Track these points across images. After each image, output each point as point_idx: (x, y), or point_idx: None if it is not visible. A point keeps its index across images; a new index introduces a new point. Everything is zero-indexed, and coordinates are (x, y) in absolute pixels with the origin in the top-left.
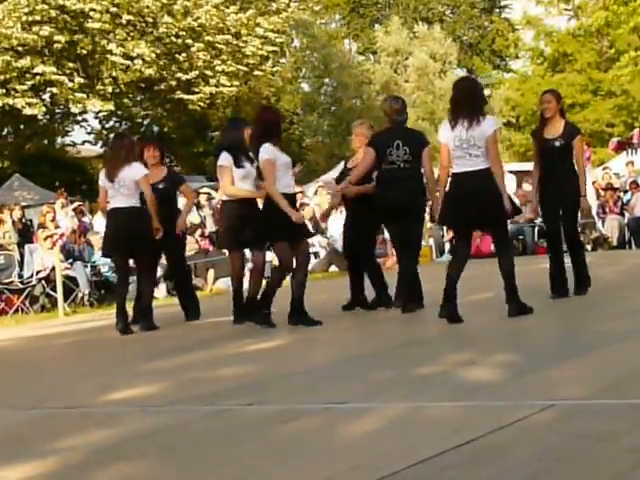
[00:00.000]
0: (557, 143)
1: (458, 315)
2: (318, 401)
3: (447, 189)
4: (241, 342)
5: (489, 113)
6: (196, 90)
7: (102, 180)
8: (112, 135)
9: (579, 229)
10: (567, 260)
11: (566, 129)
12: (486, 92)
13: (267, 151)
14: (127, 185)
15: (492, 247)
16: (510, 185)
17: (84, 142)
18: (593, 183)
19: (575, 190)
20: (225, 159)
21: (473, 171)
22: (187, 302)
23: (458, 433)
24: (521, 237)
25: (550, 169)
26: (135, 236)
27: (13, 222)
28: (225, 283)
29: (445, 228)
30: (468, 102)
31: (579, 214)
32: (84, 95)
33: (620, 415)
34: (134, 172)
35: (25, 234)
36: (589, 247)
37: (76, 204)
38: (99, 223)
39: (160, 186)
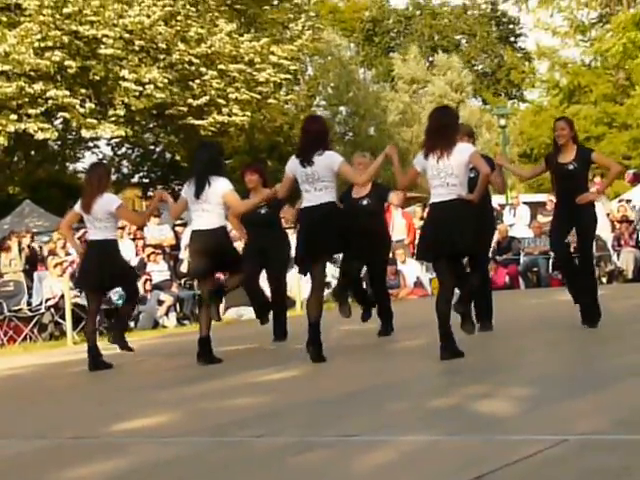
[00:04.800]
0: (570, 167)
1: (459, 350)
2: (331, 433)
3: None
4: (252, 372)
5: (504, 144)
6: (207, 117)
7: (78, 207)
8: (124, 162)
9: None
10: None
11: (579, 153)
12: (502, 122)
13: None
14: (100, 217)
15: (506, 279)
16: (524, 216)
17: None
18: (608, 215)
19: (589, 216)
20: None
21: (450, 201)
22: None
23: (469, 468)
24: (535, 269)
25: (564, 194)
26: (106, 270)
27: (21, 249)
28: (236, 312)
29: None
30: (440, 132)
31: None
32: (95, 121)
33: (636, 450)
34: (106, 204)
35: (33, 261)
36: (604, 280)
37: (82, 232)
38: None
39: (262, 211)
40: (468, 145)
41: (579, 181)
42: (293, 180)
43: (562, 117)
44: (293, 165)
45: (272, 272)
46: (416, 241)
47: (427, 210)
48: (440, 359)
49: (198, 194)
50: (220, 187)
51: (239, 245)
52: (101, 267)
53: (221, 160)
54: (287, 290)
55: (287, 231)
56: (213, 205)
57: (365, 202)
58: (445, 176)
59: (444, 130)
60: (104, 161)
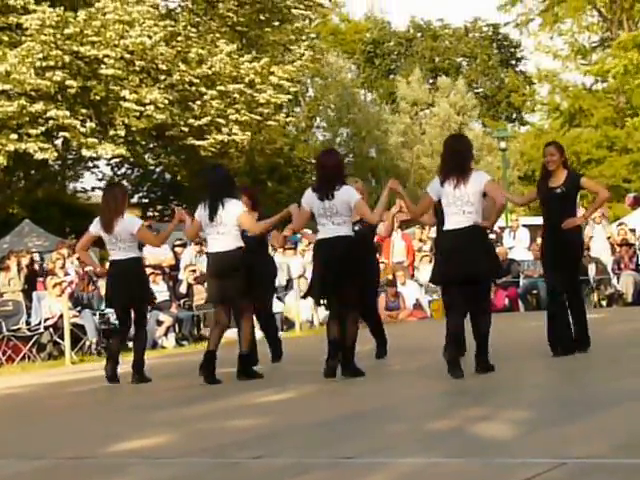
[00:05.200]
0: (558, 190)
1: (461, 370)
2: (328, 455)
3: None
4: (251, 394)
5: (505, 167)
6: (208, 137)
7: (95, 228)
8: (124, 182)
9: (590, 284)
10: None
11: (568, 177)
12: (502, 145)
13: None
14: (123, 238)
15: (506, 301)
16: (524, 239)
17: (94, 189)
18: (608, 238)
19: (576, 240)
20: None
21: (466, 227)
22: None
23: None
24: (535, 292)
25: (551, 218)
26: (133, 288)
27: (20, 269)
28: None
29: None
30: (456, 160)
31: (581, 266)
32: (96, 140)
33: (635, 474)
34: (128, 225)
35: (32, 281)
36: (604, 303)
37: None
38: None
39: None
40: (483, 173)
41: (567, 205)
42: (310, 214)
43: (552, 142)
44: (310, 199)
45: (258, 295)
46: (415, 262)
47: (442, 236)
48: (442, 355)
49: (212, 217)
50: (234, 209)
51: None
52: (127, 285)
53: (233, 181)
54: (273, 309)
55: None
56: (228, 227)
57: (357, 227)
58: (462, 204)
59: (459, 157)
60: (106, 180)
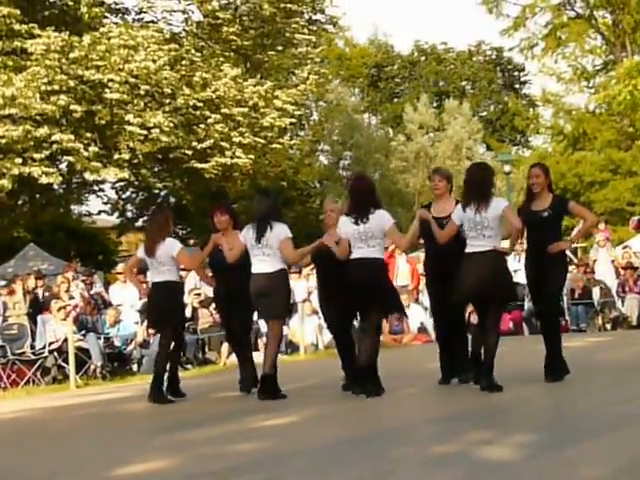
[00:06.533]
0: (545, 214)
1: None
2: (332, 479)
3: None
4: (255, 417)
5: (509, 191)
6: (210, 160)
7: (140, 252)
8: (128, 205)
9: (594, 307)
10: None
11: (554, 201)
12: (507, 169)
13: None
14: (163, 261)
15: (510, 325)
16: None
17: (100, 212)
18: (612, 262)
19: (558, 266)
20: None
21: (485, 251)
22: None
23: None
24: None
25: (536, 242)
26: (165, 310)
27: (25, 293)
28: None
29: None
30: (477, 187)
31: (563, 292)
32: (100, 164)
33: None
34: (169, 248)
35: (36, 305)
36: (609, 326)
37: (83, 277)
38: (116, 294)
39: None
40: (502, 200)
41: (552, 230)
42: (347, 240)
43: (537, 163)
44: (345, 225)
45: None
46: (420, 286)
47: (464, 259)
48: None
49: (259, 238)
50: (280, 233)
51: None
52: (160, 307)
53: (279, 206)
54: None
55: None
56: (274, 249)
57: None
58: (482, 228)
59: (480, 184)
60: (111, 204)
